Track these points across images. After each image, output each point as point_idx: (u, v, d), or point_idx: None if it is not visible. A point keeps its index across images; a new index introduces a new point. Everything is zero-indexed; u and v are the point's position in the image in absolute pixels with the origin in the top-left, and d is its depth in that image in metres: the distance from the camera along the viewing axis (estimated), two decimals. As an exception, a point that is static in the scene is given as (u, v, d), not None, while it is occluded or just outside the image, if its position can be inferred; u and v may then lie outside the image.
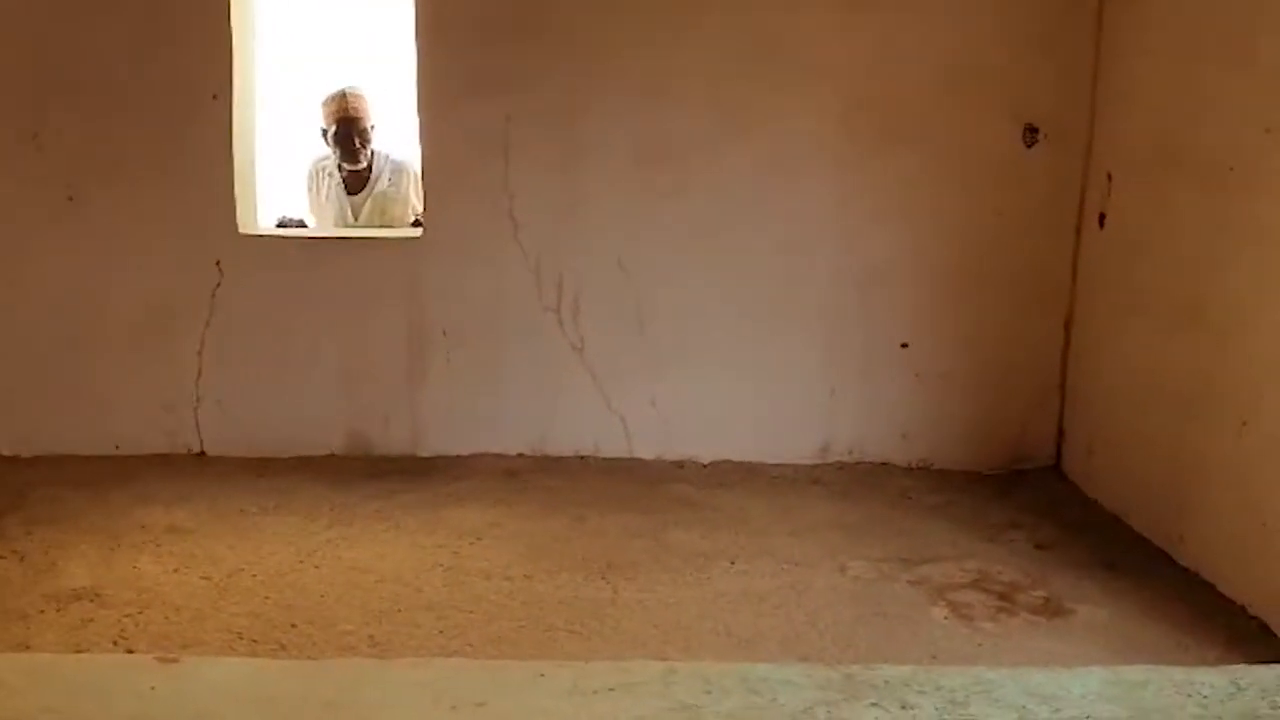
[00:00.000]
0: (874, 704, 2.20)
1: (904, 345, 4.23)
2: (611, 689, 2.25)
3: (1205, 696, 2.23)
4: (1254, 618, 2.89)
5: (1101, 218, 3.97)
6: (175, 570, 3.24)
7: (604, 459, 4.26)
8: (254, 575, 3.20)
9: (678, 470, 4.20)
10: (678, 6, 4.08)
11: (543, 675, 2.34)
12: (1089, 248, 4.10)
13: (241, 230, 4.15)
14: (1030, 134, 4.13)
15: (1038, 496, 4.02)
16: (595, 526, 3.63)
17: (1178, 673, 2.35)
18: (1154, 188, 3.63)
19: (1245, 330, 3.05)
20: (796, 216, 4.18)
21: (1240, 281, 3.09)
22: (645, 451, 4.28)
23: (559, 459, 4.26)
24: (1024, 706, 2.19)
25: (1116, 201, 3.89)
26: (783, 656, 2.71)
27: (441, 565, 3.31)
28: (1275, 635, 2.79)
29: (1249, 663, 2.55)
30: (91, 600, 3.03)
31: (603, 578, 3.21)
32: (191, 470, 4.11)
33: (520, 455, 4.29)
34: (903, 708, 2.19)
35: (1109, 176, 3.93)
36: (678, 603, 3.05)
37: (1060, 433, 4.27)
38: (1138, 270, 3.72)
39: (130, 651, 2.73)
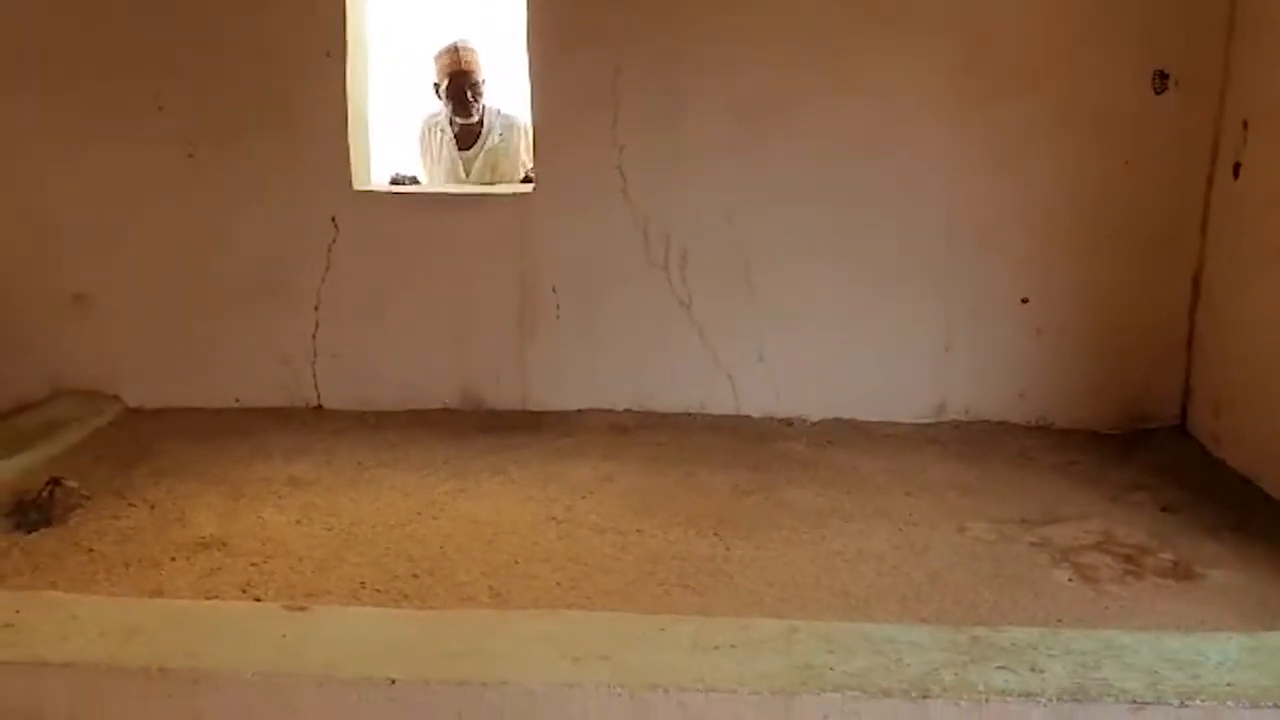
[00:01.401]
0: (1002, 667, 2.17)
1: (1024, 300, 4.11)
2: (733, 645, 2.25)
3: (1353, 666, 2.14)
4: (1396, 582, 2.77)
5: (1236, 167, 3.79)
6: (297, 521, 3.32)
7: (711, 415, 4.25)
8: (373, 527, 3.26)
9: (786, 428, 4.16)
10: (789, -45, 4.00)
11: (664, 630, 2.36)
12: (1221, 199, 3.92)
13: (356, 187, 4.20)
14: (1160, 80, 3.95)
15: (1162, 457, 3.89)
16: (704, 483, 3.61)
17: (1322, 641, 2.27)
18: (1295, 135, 3.45)
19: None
20: (908, 169, 4.07)
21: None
22: (752, 409, 4.25)
23: (666, 415, 4.25)
24: (1157, 671, 2.14)
25: (1252, 151, 3.71)
26: (903, 617, 2.66)
27: (555, 519, 3.33)
28: None
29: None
30: (219, 549, 3.11)
31: (715, 534, 3.20)
32: (309, 423, 4.21)
33: (627, 411, 4.29)
34: (1032, 670, 2.15)
35: (1245, 124, 3.75)
36: (792, 561, 3.02)
37: (1186, 391, 4.12)
38: (1274, 222, 3.55)
39: (258, 600, 2.80)
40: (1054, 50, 3.96)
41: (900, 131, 4.05)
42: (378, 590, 2.86)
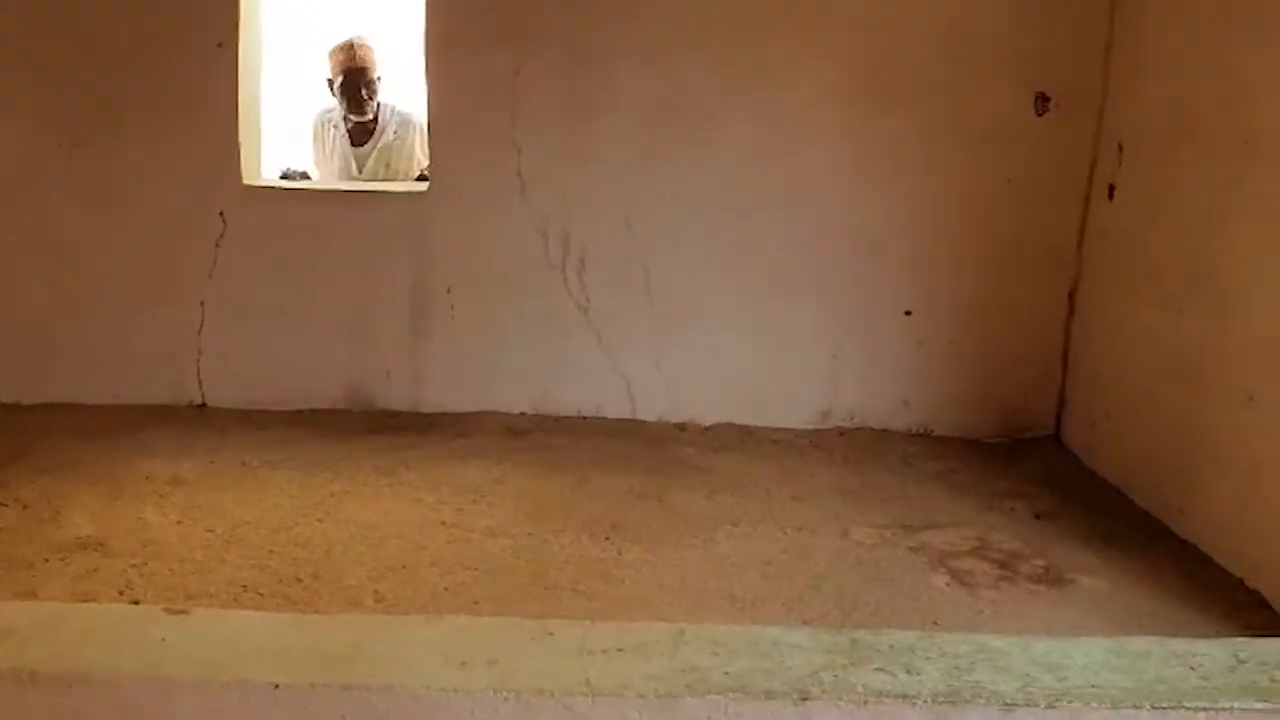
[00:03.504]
0: (880, 669, 2.22)
1: (908, 313, 4.22)
2: (620, 649, 2.26)
3: (1206, 668, 2.25)
4: (1252, 590, 2.91)
5: (1111, 189, 3.96)
6: (179, 522, 3.24)
7: (607, 419, 4.27)
8: (258, 528, 3.21)
9: (679, 432, 4.20)
10: (689, -35, 4.04)
11: (552, 634, 2.36)
12: (1097, 218, 4.09)
13: (246, 181, 4.12)
14: (1041, 102, 4.10)
15: (1038, 466, 4.04)
16: (599, 487, 3.63)
17: (1179, 644, 2.37)
18: (1165, 160, 3.61)
19: (1253, 305, 3.05)
20: (803, 180, 4.16)
21: (1250, 256, 3.08)
22: (648, 413, 4.28)
23: (561, 418, 4.26)
24: (1028, 674, 2.21)
25: (1127, 172, 3.88)
26: (787, 620, 2.73)
27: (445, 522, 3.31)
28: (1272, 608, 2.81)
29: (1247, 634, 2.59)
30: (96, 550, 3.03)
31: (607, 538, 3.22)
32: (193, 422, 4.11)
33: (522, 414, 4.29)
34: (909, 672, 2.21)
35: (1120, 147, 3.91)
36: (682, 564, 3.06)
37: (1062, 403, 4.29)
38: (1146, 242, 3.71)
39: (137, 603, 2.73)
40: (942, 70, 4.08)
41: (797, 143, 4.13)
42: (261, 593, 2.81)
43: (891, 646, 2.31)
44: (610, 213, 4.17)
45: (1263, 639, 2.42)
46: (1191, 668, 2.24)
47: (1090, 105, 4.08)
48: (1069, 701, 2.11)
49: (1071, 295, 4.23)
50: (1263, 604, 2.85)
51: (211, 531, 3.18)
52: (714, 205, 4.16)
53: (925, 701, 2.12)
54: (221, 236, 4.13)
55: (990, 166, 4.14)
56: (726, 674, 2.16)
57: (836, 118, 4.12)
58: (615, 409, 4.29)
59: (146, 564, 2.95)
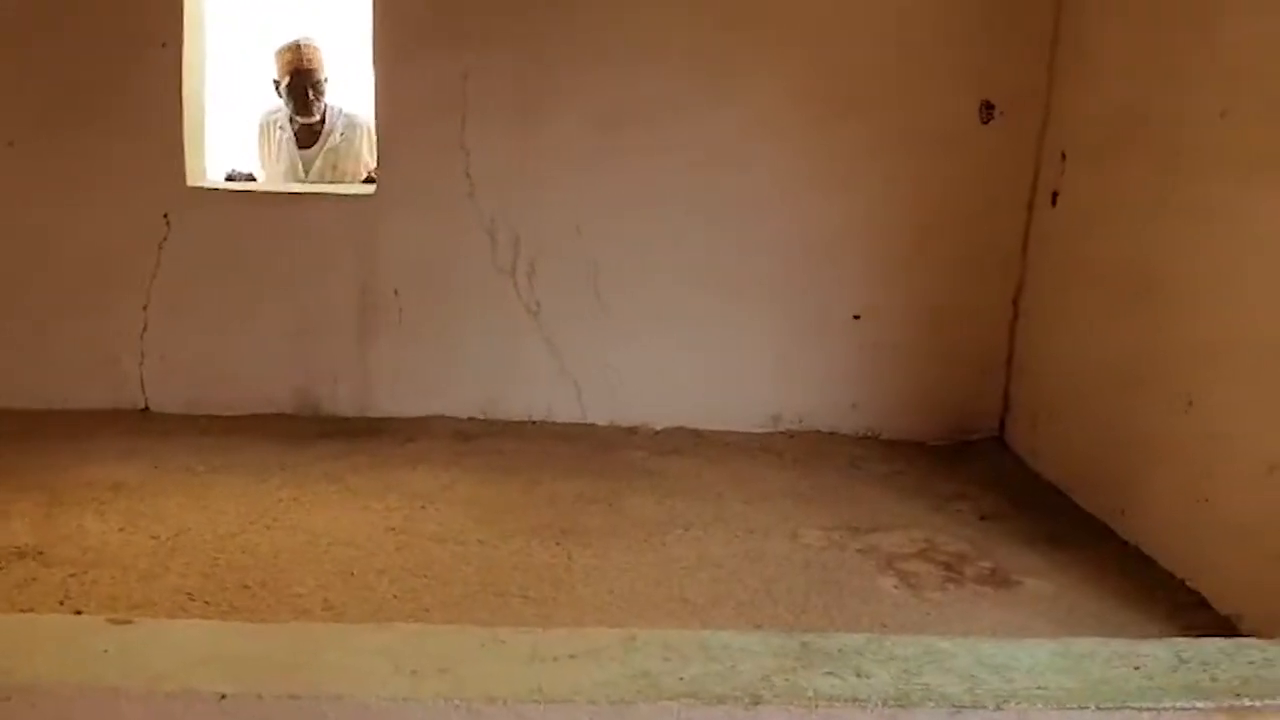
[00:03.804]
0: (830, 673, 2.23)
1: (856, 317, 4.26)
2: (572, 655, 2.26)
3: (1150, 669, 2.29)
4: (1193, 591, 2.97)
5: (1054, 195, 4.02)
6: (121, 529, 3.18)
7: (557, 423, 4.26)
8: (203, 535, 3.16)
9: (630, 436, 4.21)
10: (639, -29, 4.05)
11: (503, 641, 2.34)
12: (1040, 225, 4.15)
13: (190, 183, 4.07)
14: (986, 110, 4.16)
15: (982, 468, 4.09)
16: (549, 492, 3.62)
17: (1123, 645, 2.41)
18: (1106, 168, 3.68)
19: (1192, 310, 3.12)
20: (753, 185, 4.18)
21: (1188, 263, 3.15)
22: (598, 417, 4.28)
23: (511, 423, 4.25)
24: (975, 676, 2.24)
25: (1070, 180, 3.94)
26: (739, 623, 2.74)
27: (394, 529, 3.28)
28: (1213, 608, 2.87)
29: (1188, 634, 2.64)
30: (35, 559, 2.96)
31: (557, 543, 3.22)
32: (135, 427, 4.04)
33: (471, 418, 4.27)
34: (858, 676, 2.22)
35: (1063, 155, 3.98)
36: (633, 569, 3.06)
37: (1006, 406, 4.35)
38: (1087, 248, 3.78)
39: (78, 613, 2.67)
40: (893, 79, 4.12)
41: (747, 148, 4.15)
42: (207, 602, 2.77)
43: (841, 650, 2.33)
44: (560, 216, 4.16)
45: (1204, 639, 2.47)
46: (1135, 668, 2.28)
47: (1034, 114, 4.14)
48: (1016, 703, 2.14)
49: (1015, 300, 4.30)
50: (1203, 604, 2.90)
51: (155, 539, 3.13)
52: (664, 209, 4.17)
53: (875, 705, 2.14)
54: (165, 239, 4.07)
55: (937, 173, 4.19)
56: (679, 679, 2.16)
57: (787, 124, 4.14)
58: (565, 413, 4.28)
59: (87, 573, 2.90)
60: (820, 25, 4.08)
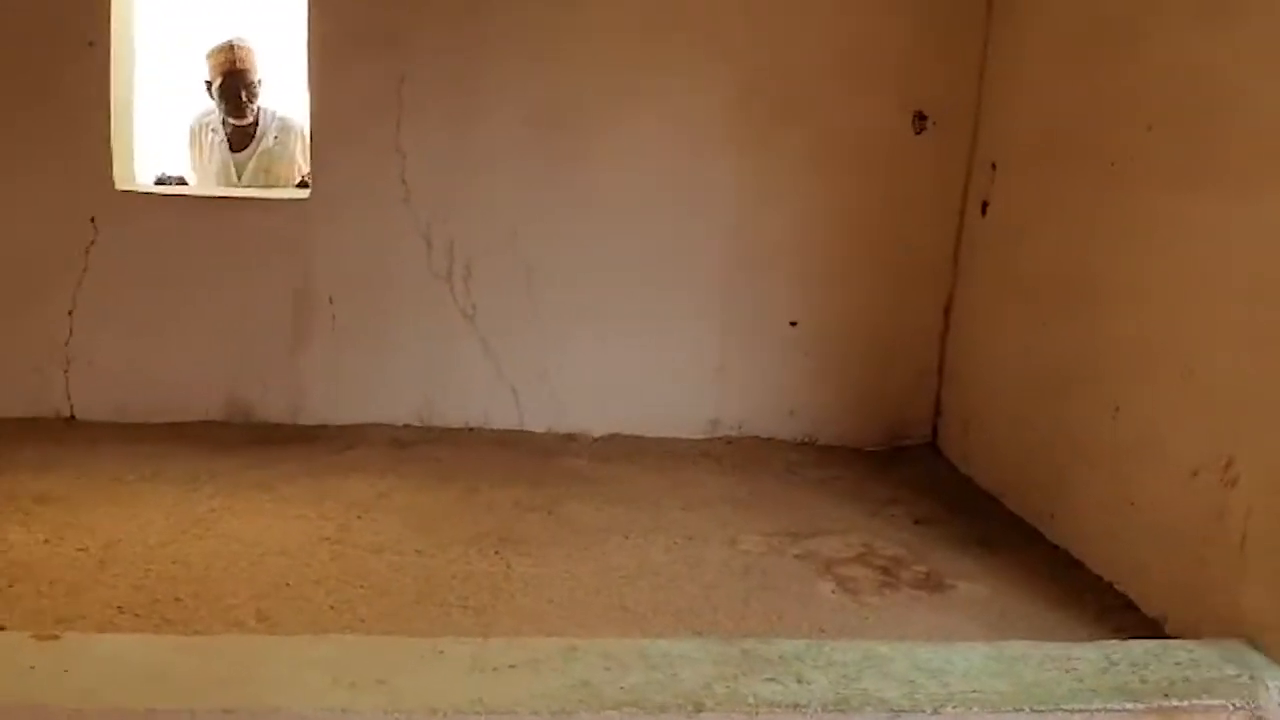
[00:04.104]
0: (771, 679, 2.26)
1: (793, 324, 4.30)
2: (512, 665, 2.26)
3: (1081, 671, 2.35)
4: (1121, 594, 3.03)
5: (984, 205, 4.09)
6: (46, 541, 3.10)
7: (494, 430, 4.24)
8: (132, 546, 3.09)
9: (569, 443, 4.20)
10: (579, -26, 4.05)
11: (442, 652, 2.33)
12: (971, 234, 4.22)
13: (118, 186, 3.98)
14: (919, 121, 4.22)
15: (916, 473, 4.15)
16: (486, 500, 3.60)
17: (1055, 648, 2.47)
18: (1035, 177, 3.75)
19: (1119, 319, 3.19)
20: (690, 191, 4.19)
21: (1115, 272, 3.22)
22: (536, 424, 4.27)
23: (447, 430, 4.21)
24: (912, 681, 2.28)
25: (999, 189, 4.02)
26: (679, 630, 2.74)
27: (329, 538, 3.24)
28: (1140, 610, 2.93)
29: (1116, 636, 2.70)
30: (-45, 573, 2.88)
31: (496, 552, 3.19)
32: (60, 435, 3.95)
33: (407, 425, 4.23)
34: (799, 681, 2.25)
35: (993, 165, 4.05)
36: (573, 577, 3.05)
37: (938, 411, 4.42)
38: (1017, 256, 3.85)
39: (2, 628, 2.60)
40: (830, 88, 4.16)
41: (684, 155, 4.16)
42: (137, 615, 2.71)
43: (781, 656, 2.36)
44: (496, 220, 4.15)
45: (1133, 641, 2.54)
46: (1067, 670, 2.34)
47: (965, 124, 4.22)
48: (953, 706, 2.18)
49: (947, 308, 4.37)
50: (1131, 606, 2.97)
51: (83, 551, 3.05)
52: (602, 214, 4.17)
53: (815, 710, 2.17)
54: (92, 243, 3.98)
55: (871, 182, 4.24)
56: (620, 688, 2.17)
57: (723, 132, 4.17)
58: (503, 420, 4.26)
59: (11, 586, 2.81)
60: (755, 35, 4.11)
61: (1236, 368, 2.66)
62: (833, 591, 3.08)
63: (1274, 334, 2.54)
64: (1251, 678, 2.34)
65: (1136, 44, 3.16)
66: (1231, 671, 2.36)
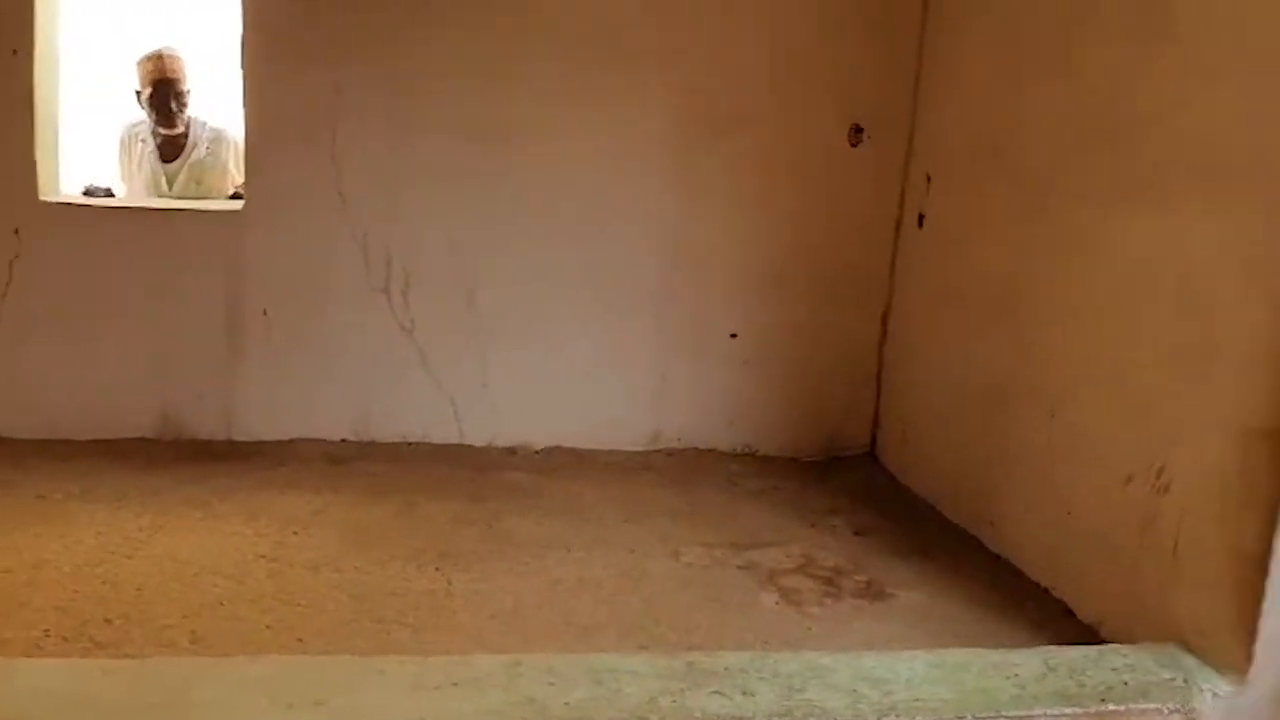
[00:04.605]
0: (716, 692, 2.25)
1: (733, 335, 4.31)
2: (455, 684, 2.22)
3: (1021, 677, 2.38)
4: (1058, 600, 3.07)
5: (921, 217, 4.14)
6: (-32, 563, 3.01)
7: (433, 445, 4.19)
8: (60, 567, 3.00)
9: (510, 456, 4.16)
10: (516, -13, 4.04)
11: (382, 671, 2.29)
12: (907, 245, 4.27)
13: (43, 197, 3.88)
14: (855, 133, 4.26)
15: (855, 483, 4.18)
16: (425, 514, 3.56)
17: (995, 655, 2.50)
18: (970, 190, 3.81)
19: (1053, 328, 3.24)
20: (629, 203, 4.19)
21: (1049, 282, 3.27)
22: (476, 437, 4.23)
23: (385, 444, 4.16)
24: (856, 690, 2.29)
25: (935, 202, 4.07)
26: (623, 644, 2.73)
27: (264, 556, 3.18)
28: (1077, 616, 2.98)
29: (1054, 642, 2.73)
30: None
31: (436, 568, 3.16)
32: (-17, 453, 3.83)
33: (344, 440, 4.16)
34: (744, 694, 2.25)
35: (928, 178, 4.11)
36: (515, 592, 3.02)
37: (876, 421, 4.45)
38: (952, 268, 3.90)
39: (-78, 654, 2.51)
40: (767, 100, 4.19)
41: (625, 166, 4.16)
42: (65, 638, 2.63)
43: (726, 668, 2.35)
44: (434, 232, 4.11)
45: (1070, 647, 2.58)
46: (1007, 677, 2.36)
47: (900, 137, 4.27)
48: (896, 715, 2.19)
49: (884, 319, 4.41)
50: (1068, 612, 3.01)
51: (7, 572, 2.96)
52: (541, 225, 4.15)
53: (761, 723, 2.16)
54: (16, 256, 3.88)
55: (809, 194, 4.27)
56: (564, 704, 2.15)
57: (663, 144, 4.17)
58: (442, 434, 4.22)
59: (-69, 611, 2.73)
60: (693, 48, 4.12)
61: (1166, 377, 2.72)
62: (776, 603, 3.09)
63: (1201, 344, 2.59)
64: (1185, 681, 2.38)
65: (1069, 59, 3.22)
66: (1166, 675, 2.40)
